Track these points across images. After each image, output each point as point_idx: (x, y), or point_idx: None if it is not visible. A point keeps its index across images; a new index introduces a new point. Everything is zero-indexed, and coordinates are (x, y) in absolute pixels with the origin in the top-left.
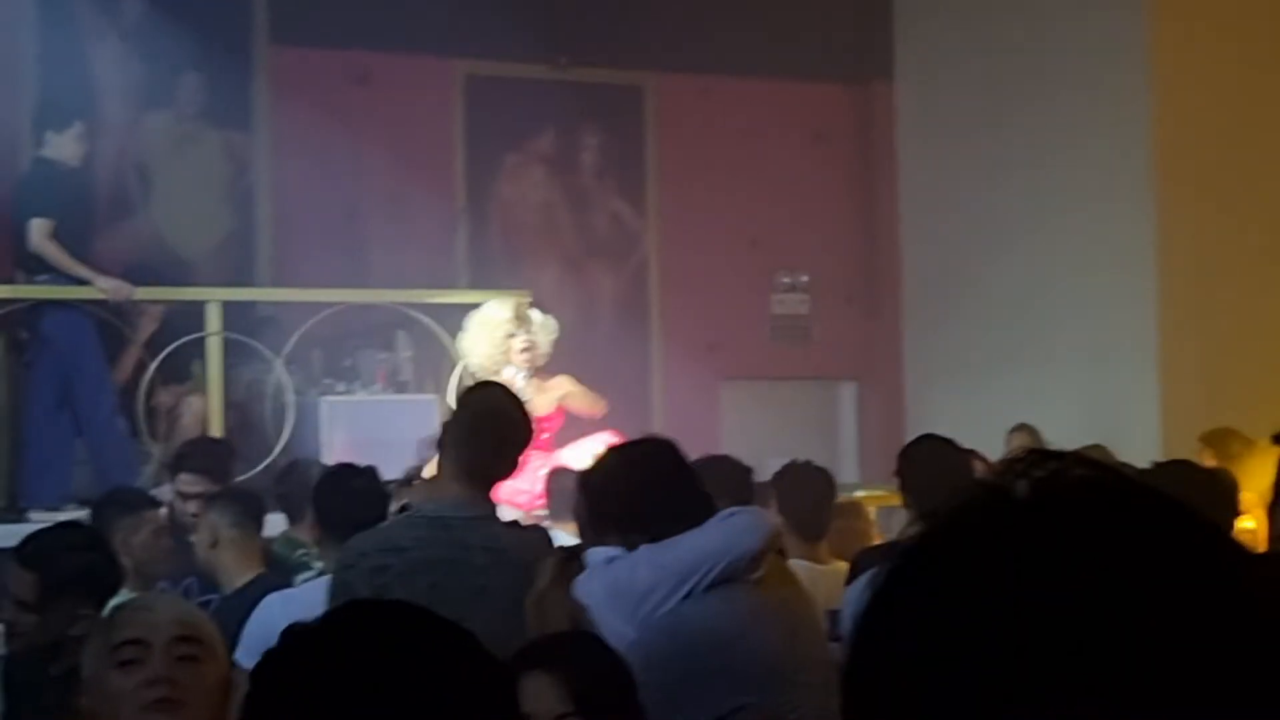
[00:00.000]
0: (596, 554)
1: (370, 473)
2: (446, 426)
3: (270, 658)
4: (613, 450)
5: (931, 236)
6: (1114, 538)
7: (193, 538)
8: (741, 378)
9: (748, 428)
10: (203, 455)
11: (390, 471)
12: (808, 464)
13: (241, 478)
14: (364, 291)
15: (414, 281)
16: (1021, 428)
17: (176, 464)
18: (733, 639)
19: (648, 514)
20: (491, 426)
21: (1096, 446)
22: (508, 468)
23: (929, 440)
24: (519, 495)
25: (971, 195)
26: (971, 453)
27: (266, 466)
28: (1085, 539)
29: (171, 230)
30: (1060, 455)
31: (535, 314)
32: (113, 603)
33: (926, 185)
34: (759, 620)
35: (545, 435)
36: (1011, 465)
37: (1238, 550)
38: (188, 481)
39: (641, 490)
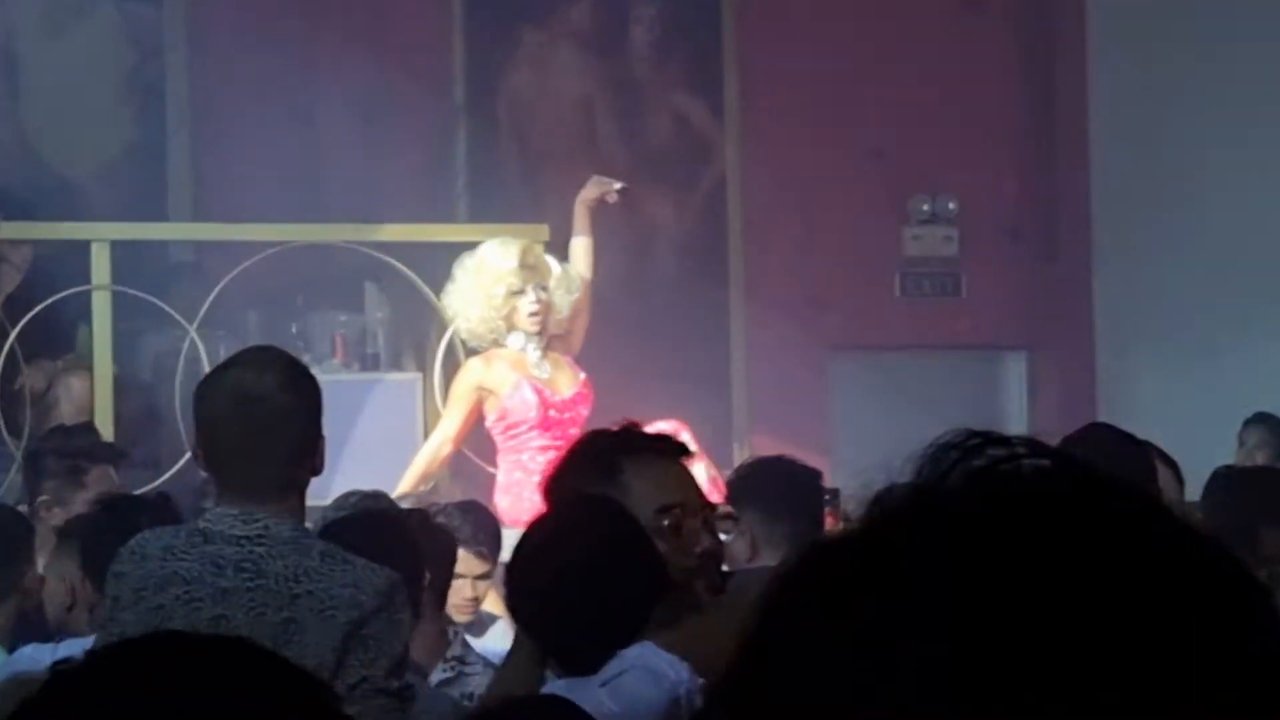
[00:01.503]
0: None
1: (161, 505)
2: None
3: (29, 707)
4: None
5: (1135, 145)
6: (1065, 560)
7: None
8: (859, 347)
9: (867, 419)
10: (55, 454)
11: (362, 480)
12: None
13: (147, 488)
14: (318, 228)
15: (389, 213)
16: (1262, 419)
17: (31, 466)
18: None
19: (545, 623)
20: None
21: None
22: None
23: (1096, 431)
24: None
25: (1195, 86)
26: (1150, 447)
27: (181, 471)
28: (1025, 558)
29: (46, 141)
30: (1008, 441)
31: (551, 262)
32: None
33: (1129, 70)
34: None
35: (573, 430)
36: (940, 455)
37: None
38: (47, 496)
39: (549, 585)
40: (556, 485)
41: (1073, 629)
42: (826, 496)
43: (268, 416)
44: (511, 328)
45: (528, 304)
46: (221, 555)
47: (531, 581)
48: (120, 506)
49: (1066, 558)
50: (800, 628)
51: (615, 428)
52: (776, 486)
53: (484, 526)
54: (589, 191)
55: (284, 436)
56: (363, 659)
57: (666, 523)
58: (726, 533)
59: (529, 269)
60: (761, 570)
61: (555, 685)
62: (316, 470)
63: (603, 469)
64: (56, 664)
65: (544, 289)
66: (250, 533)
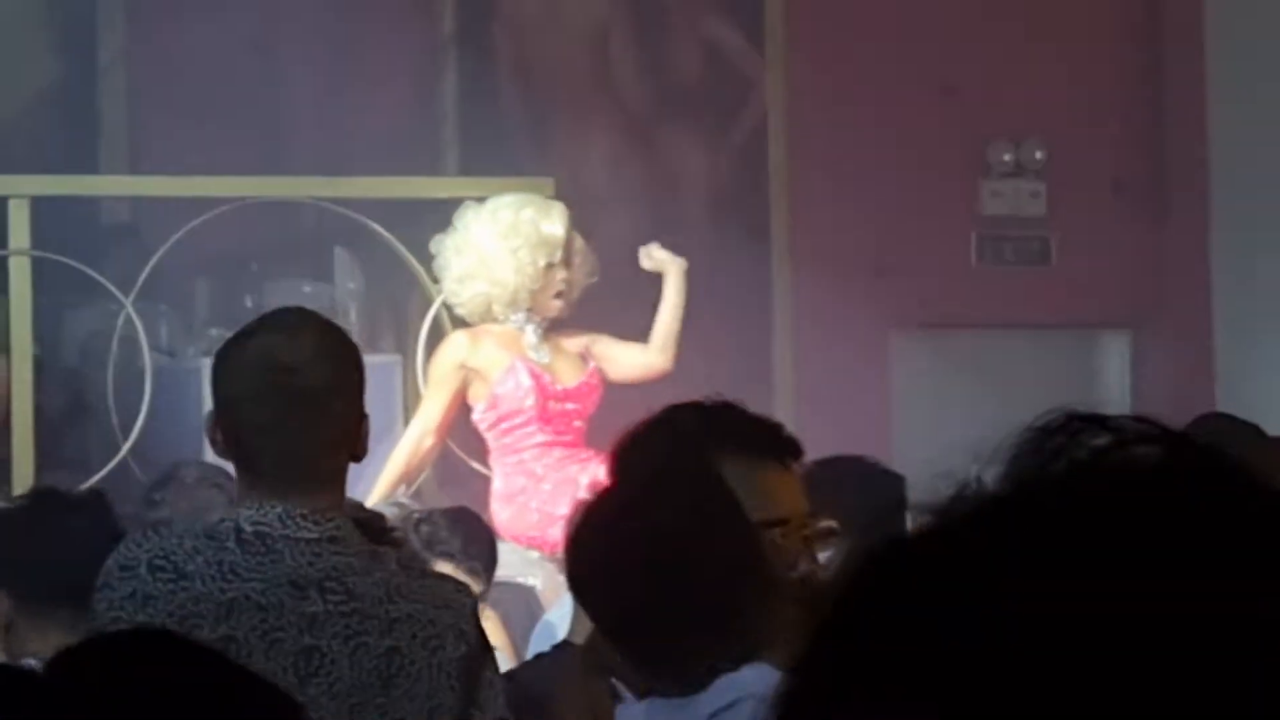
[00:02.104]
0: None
1: (95, 505)
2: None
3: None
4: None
5: (1260, 80)
6: (1191, 570)
7: None
8: (927, 325)
9: (935, 409)
10: None
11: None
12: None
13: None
14: (278, 181)
15: (363, 165)
16: None
17: None
18: None
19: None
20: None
21: None
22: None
23: (1211, 423)
24: (550, 526)
25: None
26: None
27: (114, 472)
28: (1143, 571)
29: None
30: (1118, 423)
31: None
32: None
33: None
34: None
35: (577, 423)
36: (1039, 442)
37: None
38: None
39: (622, 592)
40: (628, 461)
41: (1195, 655)
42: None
43: (306, 390)
44: (524, 306)
45: (558, 282)
46: (301, 574)
47: (601, 554)
48: (49, 504)
49: (1193, 567)
50: (874, 647)
51: (708, 403)
52: (857, 492)
53: (476, 538)
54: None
55: (326, 414)
56: (484, 702)
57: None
58: (825, 550)
59: (567, 242)
60: None
61: (637, 709)
62: (358, 456)
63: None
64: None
65: (570, 266)
66: (322, 534)
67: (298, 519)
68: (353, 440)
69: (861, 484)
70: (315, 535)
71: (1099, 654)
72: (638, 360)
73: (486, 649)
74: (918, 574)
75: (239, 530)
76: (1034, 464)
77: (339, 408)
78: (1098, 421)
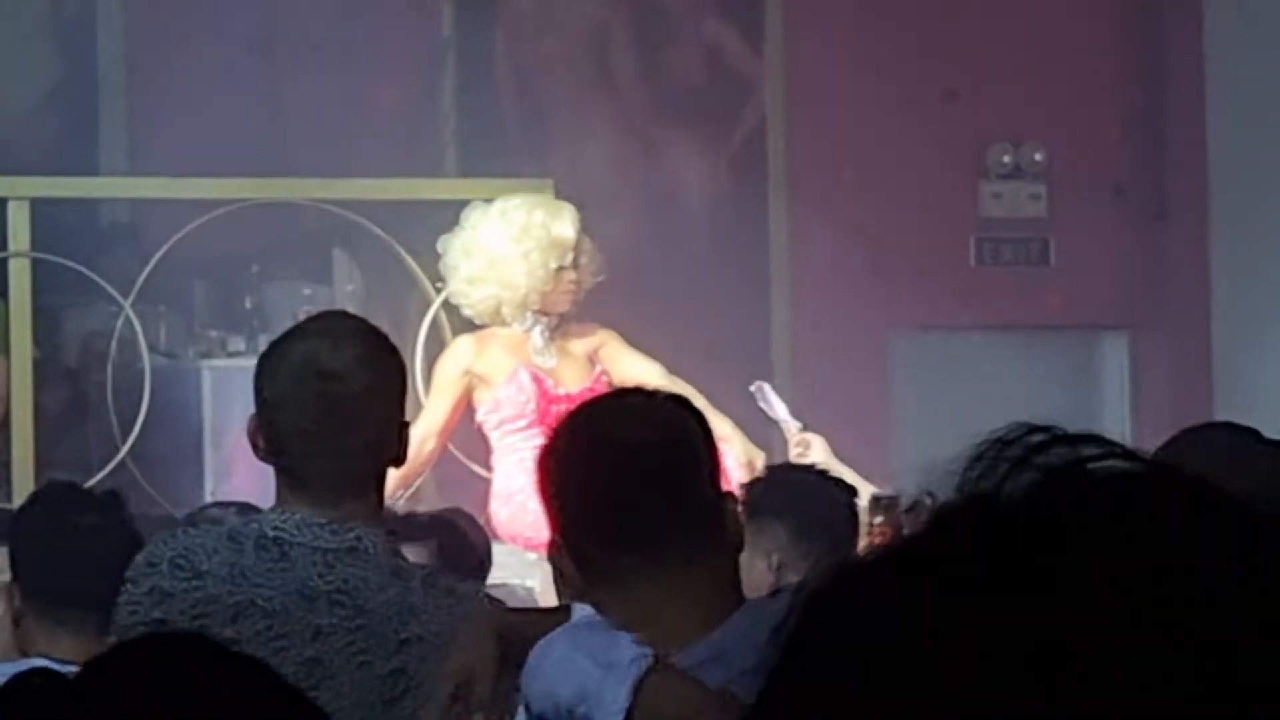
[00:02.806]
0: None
1: (112, 507)
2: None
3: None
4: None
5: (1260, 82)
6: (1151, 599)
7: None
8: (926, 327)
9: (935, 412)
10: None
11: None
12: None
13: None
14: (277, 183)
15: (362, 166)
16: None
17: None
18: None
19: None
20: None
21: None
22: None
23: (1214, 433)
24: (546, 528)
25: None
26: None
27: (113, 473)
28: (1102, 597)
29: None
30: (1074, 439)
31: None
32: None
33: None
34: None
35: None
36: (994, 458)
37: None
38: None
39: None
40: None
41: (1140, 676)
42: (884, 503)
43: (347, 397)
44: (533, 308)
45: (567, 284)
46: (310, 584)
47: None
48: (66, 502)
49: (1154, 596)
50: (833, 666)
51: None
52: (809, 500)
53: (461, 553)
54: None
55: (366, 421)
56: None
57: None
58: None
59: (580, 243)
60: None
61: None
62: (399, 461)
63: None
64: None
65: (579, 265)
66: (340, 544)
67: (316, 527)
68: (392, 447)
69: (816, 490)
70: (333, 546)
71: (1037, 680)
72: (642, 379)
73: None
74: (872, 597)
75: (261, 533)
76: (987, 482)
77: (379, 415)
78: (1058, 435)
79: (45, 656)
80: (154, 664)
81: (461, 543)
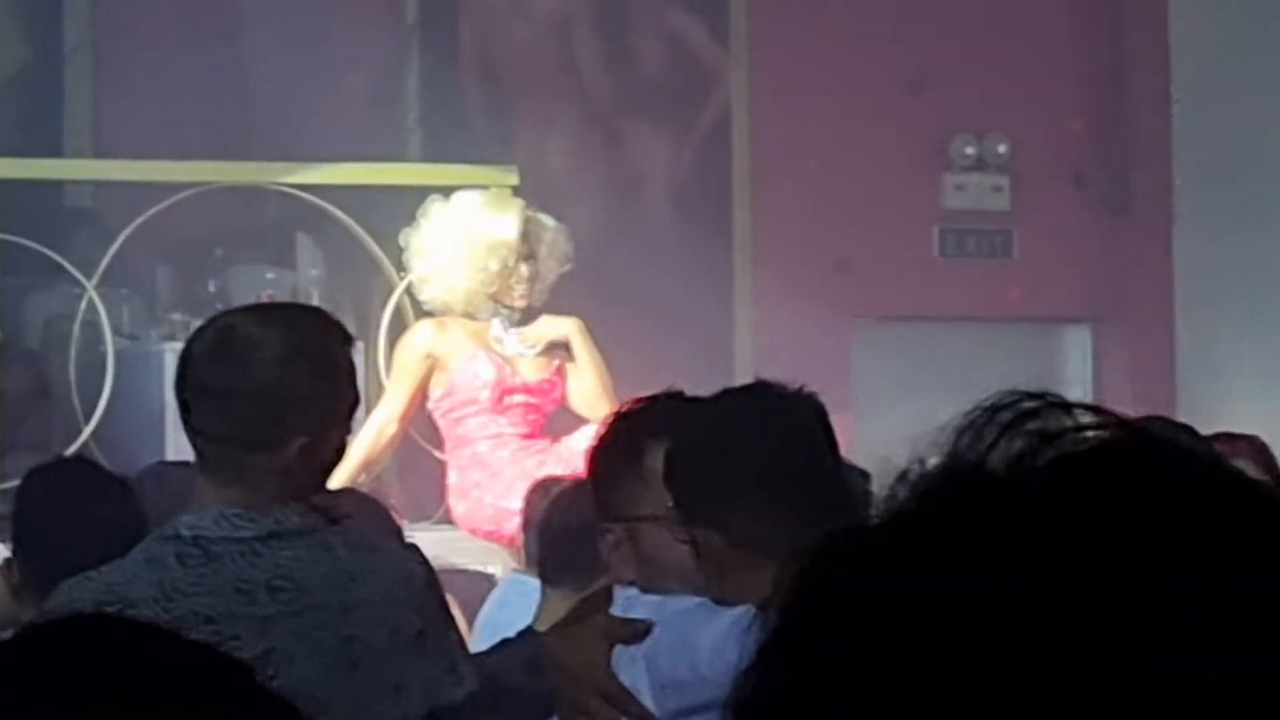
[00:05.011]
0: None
1: (118, 490)
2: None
3: None
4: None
5: (1222, 75)
6: (1139, 559)
7: None
8: (889, 318)
9: (897, 403)
10: None
11: None
12: None
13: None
14: (241, 167)
15: (326, 151)
16: None
17: None
18: None
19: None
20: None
21: None
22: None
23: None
24: (505, 520)
25: None
26: (1245, 440)
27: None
28: (1090, 563)
29: None
30: (1066, 405)
31: (545, 220)
32: None
33: None
34: None
35: (533, 416)
36: (983, 424)
37: None
38: None
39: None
40: (590, 461)
41: (1138, 649)
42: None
43: (244, 347)
44: (491, 302)
45: (520, 280)
46: (244, 578)
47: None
48: (75, 479)
49: (1142, 556)
50: (825, 641)
51: (651, 398)
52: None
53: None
54: None
55: (262, 373)
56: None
57: None
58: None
59: (525, 238)
60: None
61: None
62: (320, 446)
63: (626, 450)
64: None
65: (535, 258)
66: (259, 531)
67: (233, 519)
68: (306, 424)
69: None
70: (252, 534)
71: (1031, 651)
72: (585, 398)
73: (445, 616)
74: (867, 570)
75: (178, 538)
76: (975, 449)
77: (288, 380)
78: (1049, 401)
79: None
80: (63, 644)
81: (375, 508)
